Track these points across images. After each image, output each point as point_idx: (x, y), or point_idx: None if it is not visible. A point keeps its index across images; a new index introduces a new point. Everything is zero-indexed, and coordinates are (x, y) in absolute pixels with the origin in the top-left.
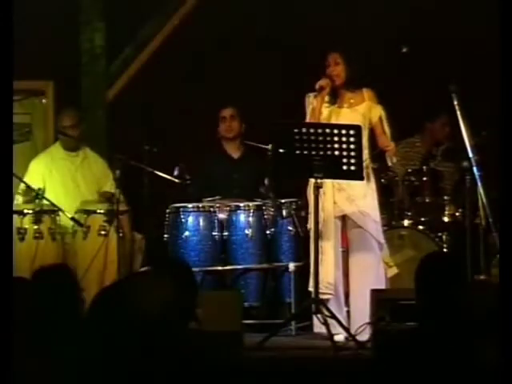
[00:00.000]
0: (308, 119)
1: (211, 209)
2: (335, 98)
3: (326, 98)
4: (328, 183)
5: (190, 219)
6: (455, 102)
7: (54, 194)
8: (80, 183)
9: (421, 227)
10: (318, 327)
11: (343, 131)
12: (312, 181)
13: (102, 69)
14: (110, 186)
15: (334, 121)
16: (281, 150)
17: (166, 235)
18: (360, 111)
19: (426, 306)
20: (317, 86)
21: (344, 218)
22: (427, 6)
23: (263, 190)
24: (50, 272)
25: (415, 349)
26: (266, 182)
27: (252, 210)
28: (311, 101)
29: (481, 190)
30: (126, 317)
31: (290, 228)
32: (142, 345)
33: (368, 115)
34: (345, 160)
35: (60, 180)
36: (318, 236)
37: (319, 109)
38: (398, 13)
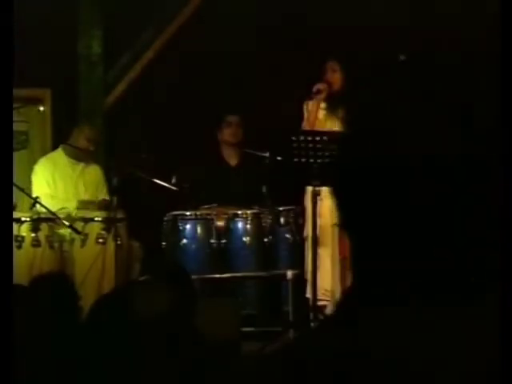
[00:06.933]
0: (304, 124)
1: (209, 216)
2: (332, 106)
3: (323, 105)
4: (325, 190)
5: (188, 227)
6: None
7: (65, 203)
8: (81, 191)
9: None
10: None
11: None
12: (310, 188)
13: (100, 76)
14: (105, 194)
15: (329, 127)
16: (278, 158)
17: (163, 243)
18: None
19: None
20: (314, 89)
21: None
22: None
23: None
24: (47, 280)
25: None
26: (264, 189)
27: (250, 218)
28: (310, 108)
29: None
30: (124, 325)
31: (288, 236)
32: (140, 353)
33: None
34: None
35: (62, 187)
36: (316, 243)
37: (315, 113)
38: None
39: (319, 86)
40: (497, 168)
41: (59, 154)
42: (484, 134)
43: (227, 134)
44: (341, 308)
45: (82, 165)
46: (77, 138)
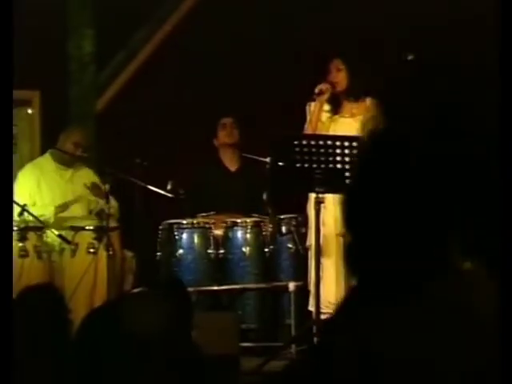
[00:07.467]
0: (306, 127)
1: (206, 225)
2: (336, 106)
3: (327, 107)
4: (329, 198)
5: (184, 236)
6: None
7: (43, 209)
8: (69, 198)
9: None
10: None
11: (346, 143)
12: (313, 195)
13: (92, 77)
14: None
15: (332, 130)
16: (280, 163)
17: (158, 253)
18: (362, 121)
19: None
20: (316, 90)
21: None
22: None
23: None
24: (35, 292)
25: None
26: (265, 196)
27: (249, 227)
28: (312, 109)
29: None
30: (117, 340)
31: (290, 245)
32: (134, 370)
33: None
34: (347, 173)
35: (48, 195)
36: (319, 253)
37: (317, 115)
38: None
39: (321, 86)
40: (497, 169)
41: (46, 160)
42: (489, 135)
43: (223, 136)
44: (341, 309)
45: (70, 171)
46: (63, 143)
